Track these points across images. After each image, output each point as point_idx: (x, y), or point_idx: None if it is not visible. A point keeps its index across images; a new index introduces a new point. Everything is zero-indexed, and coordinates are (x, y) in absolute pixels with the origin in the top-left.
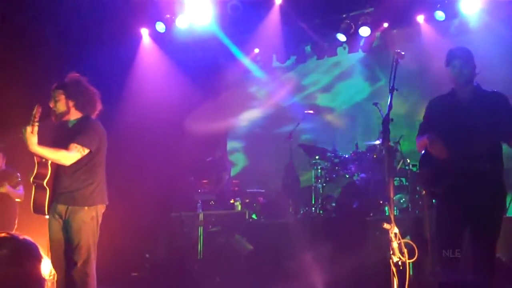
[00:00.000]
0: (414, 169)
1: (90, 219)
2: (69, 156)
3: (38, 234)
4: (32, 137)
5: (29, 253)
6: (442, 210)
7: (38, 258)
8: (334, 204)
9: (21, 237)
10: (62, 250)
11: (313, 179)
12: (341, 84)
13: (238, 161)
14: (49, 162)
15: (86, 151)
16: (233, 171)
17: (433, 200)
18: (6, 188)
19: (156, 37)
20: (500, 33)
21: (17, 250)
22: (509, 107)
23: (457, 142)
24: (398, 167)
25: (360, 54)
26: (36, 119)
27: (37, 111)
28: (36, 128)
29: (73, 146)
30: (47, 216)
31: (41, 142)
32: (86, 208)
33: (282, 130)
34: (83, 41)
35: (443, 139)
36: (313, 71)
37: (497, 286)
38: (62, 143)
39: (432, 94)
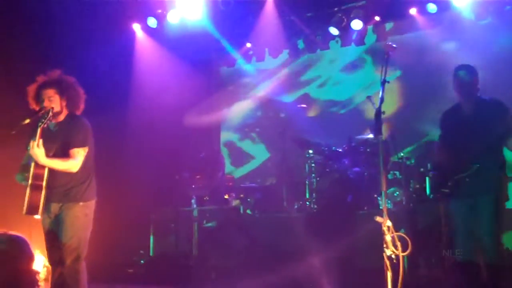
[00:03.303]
0: (408, 162)
1: (83, 215)
2: (76, 163)
3: (30, 232)
4: (39, 150)
5: (21, 250)
6: (455, 205)
7: (30, 255)
8: (327, 198)
9: (13, 234)
10: (57, 246)
11: (306, 173)
12: (346, 77)
13: (260, 154)
14: None
15: (86, 149)
16: (253, 164)
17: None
18: None
19: (148, 32)
20: (492, 25)
21: (9, 247)
22: (504, 115)
23: (461, 148)
24: (392, 160)
25: (366, 45)
26: (45, 121)
27: (44, 112)
28: (41, 141)
29: (75, 151)
30: (38, 217)
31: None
32: (81, 203)
33: (275, 124)
34: (74, 38)
35: (451, 147)
36: (311, 64)
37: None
38: (56, 145)
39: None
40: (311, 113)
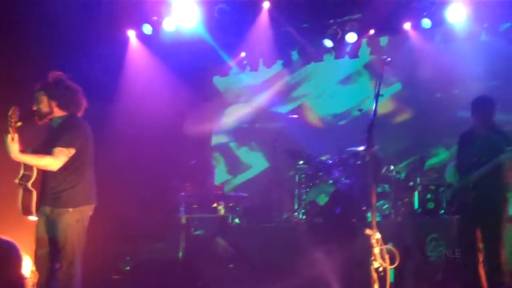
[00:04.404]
0: (398, 176)
1: (75, 221)
2: (55, 161)
3: (19, 234)
4: (13, 145)
5: (10, 256)
6: (461, 222)
7: (19, 261)
8: (317, 210)
9: (1, 239)
10: (46, 250)
11: (296, 184)
12: (342, 90)
13: (257, 163)
14: None
15: (72, 151)
16: (251, 173)
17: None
18: None
19: (143, 39)
20: (485, 41)
21: None
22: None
23: (469, 168)
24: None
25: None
26: (13, 121)
27: (13, 113)
28: (16, 136)
29: (57, 150)
30: (34, 218)
31: (27, 143)
32: (70, 210)
33: (267, 135)
34: (69, 42)
35: (463, 165)
36: (307, 76)
37: None
38: (48, 144)
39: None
40: (306, 124)
